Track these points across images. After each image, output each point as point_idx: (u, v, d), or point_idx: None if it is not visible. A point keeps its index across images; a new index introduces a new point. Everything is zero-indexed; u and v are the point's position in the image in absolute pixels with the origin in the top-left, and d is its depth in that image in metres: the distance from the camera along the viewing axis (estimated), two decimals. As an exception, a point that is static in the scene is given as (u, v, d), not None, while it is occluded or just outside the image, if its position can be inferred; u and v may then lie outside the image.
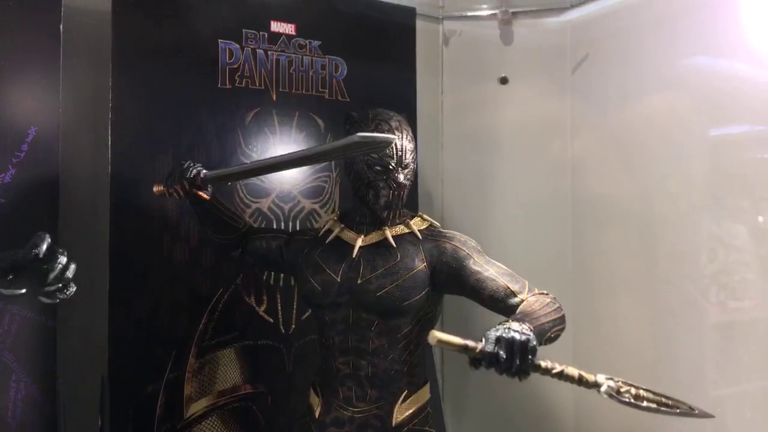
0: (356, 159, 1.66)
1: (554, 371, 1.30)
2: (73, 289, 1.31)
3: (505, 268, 1.65)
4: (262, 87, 2.23)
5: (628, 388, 1.34)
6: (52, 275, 1.26)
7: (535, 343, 1.27)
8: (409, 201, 1.79)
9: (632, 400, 1.34)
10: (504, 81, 2.78)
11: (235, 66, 2.18)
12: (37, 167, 1.86)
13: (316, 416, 1.68)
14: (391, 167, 1.63)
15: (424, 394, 1.72)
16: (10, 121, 1.83)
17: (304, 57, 2.31)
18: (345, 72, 2.38)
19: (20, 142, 1.84)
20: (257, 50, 2.22)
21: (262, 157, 2.17)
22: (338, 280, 1.66)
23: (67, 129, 1.94)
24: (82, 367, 2.00)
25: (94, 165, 2.09)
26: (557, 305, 1.53)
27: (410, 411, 1.66)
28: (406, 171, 1.66)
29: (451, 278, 1.63)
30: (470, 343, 1.26)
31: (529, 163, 2.73)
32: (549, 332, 1.45)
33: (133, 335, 1.98)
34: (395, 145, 1.63)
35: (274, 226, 2.21)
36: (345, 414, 1.65)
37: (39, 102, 1.88)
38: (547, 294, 1.58)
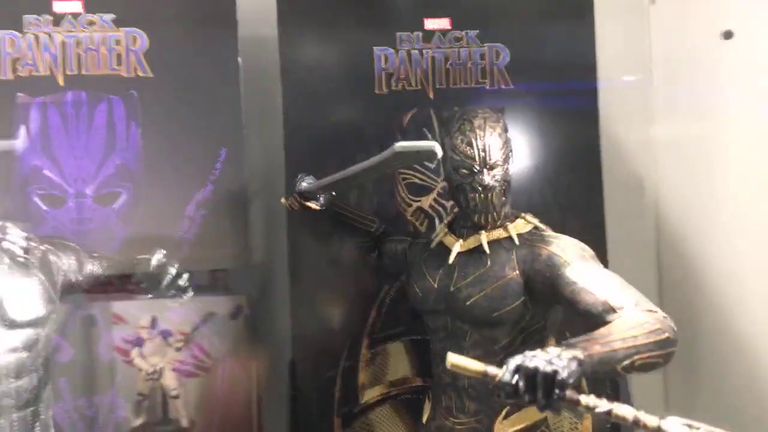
0: (446, 161, 1.62)
1: (598, 409, 1.11)
2: (190, 293, 1.58)
3: (614, 278, 1.42)
4: (419, 87, 2.28)
5: None
6: (165, 280, 1.53)
7: (565, 375, 1.07)
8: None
9: None
10: (728, 35, 2.33)
11: (390, 71, 2.27)
12: (229, 182, 2.21)
13: (424, 421, 1.69)
14: (475, 169, 1.56)
15: (536, 412, 1.57)
16: (206, 144, 2.21)
17: (460, 50, 2.29)
18: (507, 58, 2.29)
19: (214, 161, 2.21)
20: (412, 51, 2.28)
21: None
22: (435, 286, 1.64)
23: (251, 147, 2.26)
24: (273, 353, 2.30)
25: (269, 173, 2.36)
26: (657, 327, 1.26)
27: (515, 428, 1.56)
28: (493, 172, 1.56)
29: (547, 288, 1.48)
30: (490, 369, 1.14)
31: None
32: (628, 359, 1.21)
33: (312, 327, 2.23)
34: (477, 145, 1.55)
35: (436, 224, 2.24)
36: (446, 423, 1.62)
37: (226, 126, 2.22)
38: (655, 312, 1.31)
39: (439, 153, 1.49)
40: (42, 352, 1.57)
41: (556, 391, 1.07)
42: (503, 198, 1.59)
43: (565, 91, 2.27)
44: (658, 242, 2.56)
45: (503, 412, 1.55)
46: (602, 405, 1.08)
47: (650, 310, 1.32)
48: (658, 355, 1.25)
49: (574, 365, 1.09)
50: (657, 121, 2.53)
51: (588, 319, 1.37)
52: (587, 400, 1.08)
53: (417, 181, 2.27)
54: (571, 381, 1.08)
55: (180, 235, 2.15)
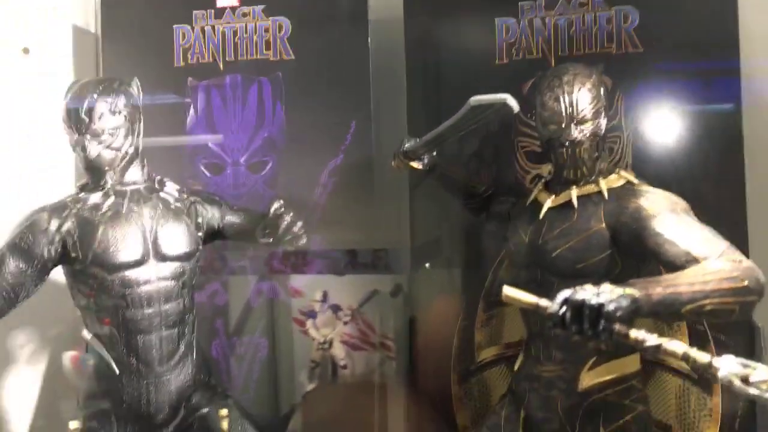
0: (537, 118, 1.67)
1: (647, 343, 1.14)
2: (304, 239, 1.81)
3: (703, 230, 1.39)
4: (540, 55, 2.29)
5: (765, 377, 1.06)
6: (282, 227, 1.77)
7: (611, 308, 1.14)
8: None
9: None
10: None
11: (512, 40, 2.32)
12: (357, 152, 2.43)
13: (515, 368, 1.76)
14: (563, 124, 1.59)
15: (626, 365, 1.60)
16: (338, 118, 2.43)
17: (585, 14, 2.26)
18: (637, 21, 2.22)
19: (345, 132, 2.44)
20: (534, 19, 2.30)
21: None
22: (526, 240, 1.70)
23: (379, 120, 2.45)
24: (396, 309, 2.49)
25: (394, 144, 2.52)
26: (736, 274, 1.25)
27: (602, 379, 1.58)
28: (581, 126, 1.58)
29: (633, 240, 1.49)
30: (542, 302, 1.23)
31: None
32: (694, 303, 1.22)
33: (431, 287, 2.38)
34: (564, 100, 1.58)
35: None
36: (534, 371, 1.68)
37: (356, 101, 2.42)
38: (740, 261, 1.29)
39: (514, 105, 1.54)
40: (187, 283, 1.89)
41: (602, 322, 1.11)
42: (594, 153, 1.60)
43: (701, 54, 2.14)
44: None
45: (589, 362, 1.58)
46: (652, 339, 1.11)
47: (736, 260, 1.28)
48: (733, 302, 1.23)
49: (624, 301, 1.14)
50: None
51: (671, 272, 1.37)
52: (636, 333, 1.12)
53: (536, 149, 2.30)
54: (618, 314, 1.13)
55: (315, 199, 2.41)
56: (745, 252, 1.84)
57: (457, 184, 2.04)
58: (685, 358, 1.10)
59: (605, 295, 1.16)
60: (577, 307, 1.16)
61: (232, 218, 2.04)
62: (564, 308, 1.18)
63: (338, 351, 2.43)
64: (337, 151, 2.42)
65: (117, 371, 1.79)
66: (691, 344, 2.00)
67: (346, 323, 2.42)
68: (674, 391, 2.02)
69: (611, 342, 1.17)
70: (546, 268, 1.63)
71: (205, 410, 1.88)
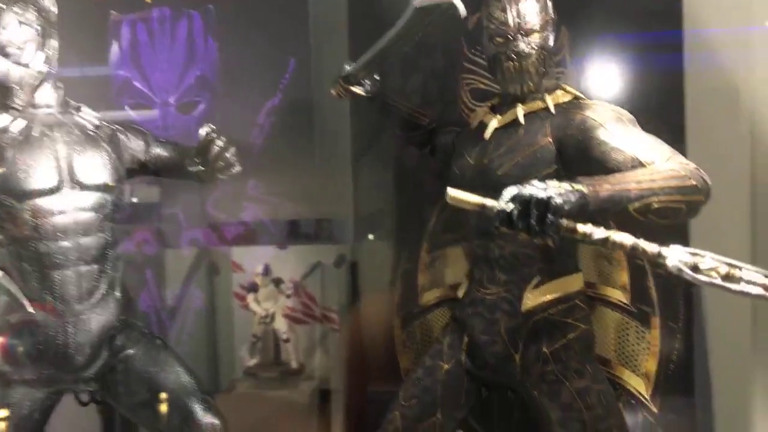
0: (483, 33, 1.61)
1: (595, 236, 1.09)
2: (237, 168, 1.70)
3: (649, 138, 1.37)
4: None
5: (714, 265, 1.02)
6: (213, 152, 1.65)
7: (559, 201, 1.11)
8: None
9: (719, 281, 1.02)
10: None
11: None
12: (296, 92, 2.33)
13: (460, 295, 1.72)
14: (509, 36, 1.53)
15: (569, 284, 1.58)
16: (276, 56, 2.32)
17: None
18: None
19: (283, 71, 2.33)
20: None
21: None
22: (471, 162, 1.64)
23: (320, 60, 2.34)
24: (337, 253, 2.40)
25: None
26: (684, 174, 1.24)
27: (545, 298, 1.55)
28: (529, 38, 1.52)
29: (579, 153, 1.45)
30: (488, 202, 1.18)
31: None
32: (641, 200, 1.21)
33: (373, 231, 2.30)
34: (511, 10, 1.52)
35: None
36: (478, 295, 1.64)
37: (294, 37, 2.32)
38: (687, 164, 1.27)
39: (461, 7, 1.47)
40: (109, 216, 1.75)
41: (550, 216, 1.10)
42: (541, 68, 1.54)
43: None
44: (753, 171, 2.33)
45: (533, 282, 1.56)
46: (599, 232, 1.08)
47: (683, 162, 1.28)
48: (680, 200, 1.22)
49: (572, 196, 1.12)
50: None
51: None
52: (584, 228, 1.09)
53: (481, 86, 2.24)
54: (566, 208, 1.12)
55: (251, 141, 2.29)
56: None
57: (400, 113, 1.96)
58: (634, 248, 1.07)
59: (553, 189, 1.14)
60: (525, 202, 1.14)
61: (158, 150, 1.90)
62: (511, 205, 1.14)
63: (280, 325, 2.37)
64: (274, 90, 2.31)
65: (31, 309, 1.64)
66: (631, 281, 2.02)
67: (288, 296, 2.37)
68: (613, 326, 2.02)
69: (558, 239, 1.12)
70: (492, 187, 1.57)
71: (130, 351, 1.76)
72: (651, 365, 2.00)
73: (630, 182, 1.21)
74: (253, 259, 2.37)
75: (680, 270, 1.04)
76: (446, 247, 2.24)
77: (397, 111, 1.94)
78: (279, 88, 2.32)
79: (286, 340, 2.36)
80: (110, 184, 1.74)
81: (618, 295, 2.03)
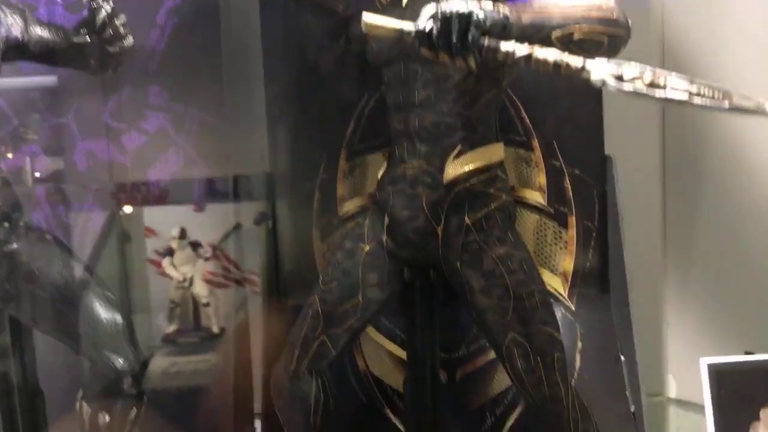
0: None
1: (518, 54, 1.06)
2: (129, 40, 1.53)
3: None
4: None
5: (638, 73, 0.99)
6: (99, 18, 1.48)
7: (482, 16, 1.12)
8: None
9: (643, 89, 0.99)
10: None
11: None
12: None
13: (379, 177, 1.69)
14: None
15: (490, 153, 1.58)
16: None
17: None
18: None
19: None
20: None
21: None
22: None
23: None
24: (250, 163, 2.28)
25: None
26: (606, 6, 1.26)
27: (467, 168, 1.54)
28: None
29: None
30: (406, 25, 1.14)
31: None
32: (563, 28, 1.22)
33: (289, 137, 2.19)
34: None
35: None
36: (398, 171, 1.62)
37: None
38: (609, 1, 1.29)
39: None
40: None
41: (472, 30, 1.10)
42: None
43: None
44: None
45: (454, 151, 1.54)
46: (522, 49, 1.08)
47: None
48: (602, 32, 1.24)
49: (495, 14, 1.13)
50: None
51: None
52: (507, 45, 1.07)
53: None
54: (488, 24, 1.12)
55: (151, 43, 2.10)
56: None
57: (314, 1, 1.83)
58: (558, 65, 1.06)
59: (474, 4, 1.14)
60: (445, 19, 1.13)
61: (39, 30, 1.70)
62: (431, 23, 1.14)
63: (200, 289, 2.27)
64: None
65: None
66: (548, 179, 2.03)
67: (207, 260, 2.25)
68: (532, 227, 2.05)
69: (479, 58, 1.16)
70: (408, 54, 1.52)
71: (12, 246, 1.63)
72: (568, 264, 2.05)
73: (552, 9, 1.22)
74: (167, 223, 2.23)
75: (604, 82, 1.04)
76: (366, 154, 2.18)
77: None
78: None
79: (206, 305, 2.27)
80: None
81: (536, 197, 2.05)
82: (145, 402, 1.77)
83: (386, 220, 1.63)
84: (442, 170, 1.54)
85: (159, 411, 1.98)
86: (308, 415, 1.68)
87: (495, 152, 1.59)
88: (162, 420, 1.98)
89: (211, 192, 2.23)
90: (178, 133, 2.18)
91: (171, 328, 2.27)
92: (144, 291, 2.25)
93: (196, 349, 2.25)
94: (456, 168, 1.53)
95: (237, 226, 2.26)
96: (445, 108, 1.51)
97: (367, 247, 1.66)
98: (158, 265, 2.25)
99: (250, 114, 2.26)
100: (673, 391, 2.36)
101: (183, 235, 2.24)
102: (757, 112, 0.96)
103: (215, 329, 2.28)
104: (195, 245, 2.26)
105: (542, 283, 1.58)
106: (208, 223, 2.26)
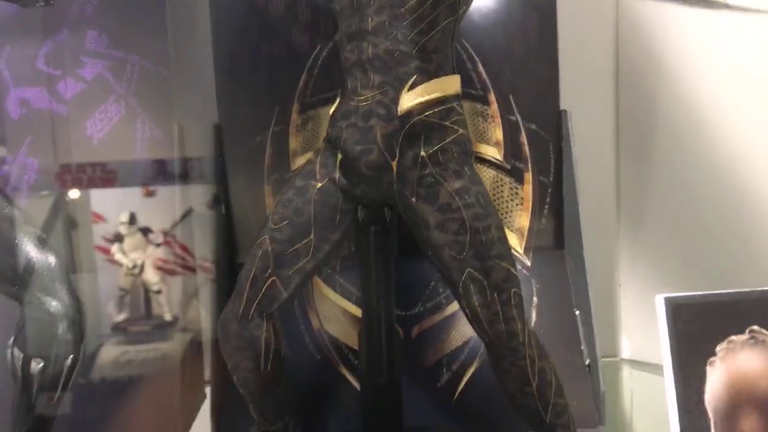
0: None
1: None
2: None
3: None
4: None
5: None
6: None
7: None
8: None
9: None
10: None
11: None
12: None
13: (331, 113, 1.62)
14: None
15: (447, 85, 1.52)
16: None
17: None
18: None
19: None
20: None
21: None
22: None
23: None
24: (197, 115, 2.17)
25: None
26: None
27: (422, 99, 1.49)
28: None
29: None
30: None
31: None
32: None
33: (238, 89, 2.08)
34: None
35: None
36: (351, 105, 1.54)
37: None
38: None
39: None
40: None
41: None
42: None
43: None
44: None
45: (409, 82, 1.49)
46: None
47: None
48: None
49: None
50: None
51: None
52: None
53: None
54: None
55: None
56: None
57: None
58: None
59: None
60: None
61: None
62: None
63: (151, 276, 2.15)
64: None
65: None
66: (504, 135, 2.01)
67: (159, 245, 2.14)
68: (489, 183, 2.04)
69: None
70: (370, 4, 1.48)
71: None
72: (524, 221, 2.05)
73: None
74: (116, 208, 2.10)
75: None
76: (319, 107, 2.11)
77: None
78: None
79: (158, 292, 2.16)
80: None
81: (492, 152, 2.03)
82: (83, 351, 1.67)
83: (339, 156, 1.56)
84: (396, 101, 1.48)
85: (109, 401, 1.92)
86: (257, 360, 1.59)
87: (451, 84, 1.53)
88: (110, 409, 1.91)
89: (162, 174, 2.12)
90: (119, 81, 2.04)
91: (121, 317, 2.17)
92: (91, 279, 2.14)
93: (148, 337, 2.17)
94: (411, 98, 1.48)
95: (189, 211, 2.17)
96: (400, 35, 1.46)
97: (319, 185, 1.58)
98: (107, 251, 2.14)
99: (196, 63, 2.14)
100: (627, 351, 2.41)
101: (132, 220, 2.13)
102: None
103: (167, 317, 2.20)
104: (146, 231, 2.15)
105: (499, 218, 1.53)
106: (158, 207, 2.15)
